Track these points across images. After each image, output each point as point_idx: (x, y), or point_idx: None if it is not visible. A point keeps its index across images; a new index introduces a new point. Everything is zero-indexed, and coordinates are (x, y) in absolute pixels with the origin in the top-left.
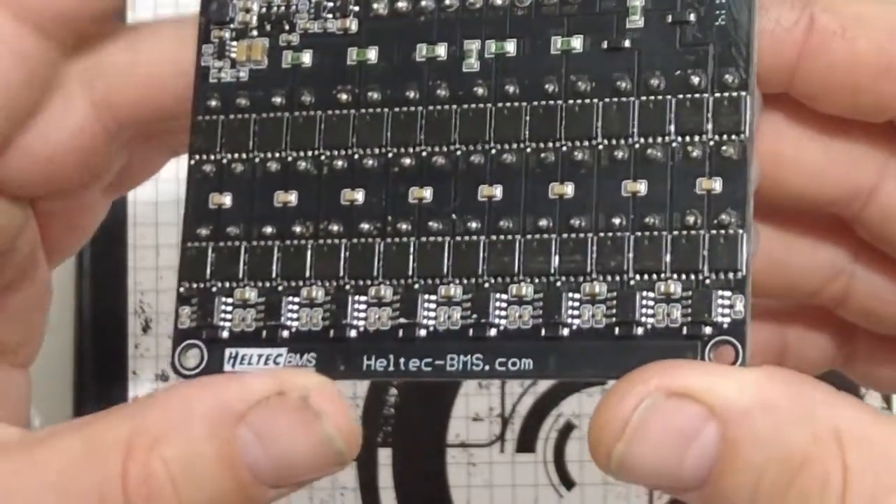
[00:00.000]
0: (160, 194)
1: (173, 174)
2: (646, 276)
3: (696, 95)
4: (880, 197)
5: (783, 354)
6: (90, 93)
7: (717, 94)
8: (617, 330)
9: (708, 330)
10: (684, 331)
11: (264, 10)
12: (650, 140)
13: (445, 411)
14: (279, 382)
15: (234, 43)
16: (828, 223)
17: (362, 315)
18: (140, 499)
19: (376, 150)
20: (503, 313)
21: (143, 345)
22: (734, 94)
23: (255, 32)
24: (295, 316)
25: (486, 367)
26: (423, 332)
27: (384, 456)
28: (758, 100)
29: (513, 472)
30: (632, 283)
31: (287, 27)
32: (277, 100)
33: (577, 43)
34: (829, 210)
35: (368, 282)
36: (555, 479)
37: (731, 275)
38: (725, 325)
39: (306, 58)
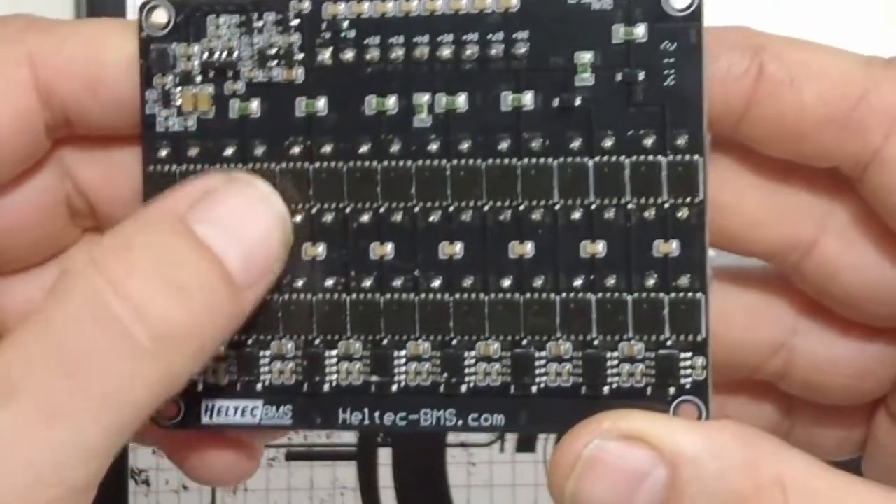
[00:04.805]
0: None
1: None
2: (609, 337)
3: (650, 157)
4: (820, 248)
5: None
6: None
7: (671, 157)
8: (583, 389)
9: (671, 390)
10: (648, 391)
11: (206, 56)
12: (606, 201)
13: None
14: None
15: (178, 90)
16: (767, 296)
17: (334, 369)
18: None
19: (334, 205)
20: (472, 370)
21: None
22: (687, 157)
23: (198, 79)
24: (267, 370)
25: (460, 422)
26: (395, 388)
27: (384, 456)
28: (707, 146)
29: (513, 471)
30: (596, 343)
31: (231, 75)
32: (229, 151)
33: (528, 99)
34: (768, 261)
35: (337, 336)
36: None
37: (691, 337)
38: (688, 386)
39: (254, 107)
